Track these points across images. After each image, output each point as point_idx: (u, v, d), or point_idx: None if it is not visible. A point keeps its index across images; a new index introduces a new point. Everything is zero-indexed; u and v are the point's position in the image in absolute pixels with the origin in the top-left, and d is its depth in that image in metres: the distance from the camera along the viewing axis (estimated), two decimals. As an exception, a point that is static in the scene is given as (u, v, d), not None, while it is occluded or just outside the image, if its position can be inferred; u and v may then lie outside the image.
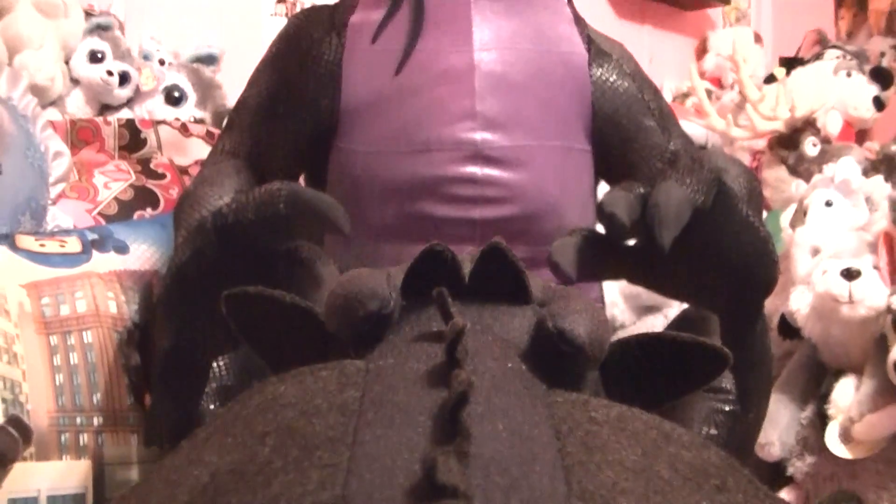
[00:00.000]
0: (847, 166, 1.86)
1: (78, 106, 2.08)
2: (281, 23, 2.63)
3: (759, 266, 0.95)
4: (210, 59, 2.29)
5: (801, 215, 1.84)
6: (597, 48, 1.32)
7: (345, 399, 0.65)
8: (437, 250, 0.83)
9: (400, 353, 0.74)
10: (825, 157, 2.61)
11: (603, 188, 1.34)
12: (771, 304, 1.59)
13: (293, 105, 1.29)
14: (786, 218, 1.92)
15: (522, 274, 0.86)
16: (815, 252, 1.69)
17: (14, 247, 1.31)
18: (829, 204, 1.80)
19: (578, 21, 1.33)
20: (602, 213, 0.86)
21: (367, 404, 0.64)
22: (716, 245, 0.92)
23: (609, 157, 1.31)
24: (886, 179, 2.64)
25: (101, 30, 2.12)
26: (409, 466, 0.56)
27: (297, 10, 2.71)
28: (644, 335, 0.87)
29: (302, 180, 1.37)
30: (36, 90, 1.85)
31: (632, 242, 0.92)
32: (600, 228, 0.90)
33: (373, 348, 0.77)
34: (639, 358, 0.86)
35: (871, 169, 2.78)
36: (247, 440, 0.63)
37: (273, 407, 0.67)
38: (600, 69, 1.30)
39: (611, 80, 1.30)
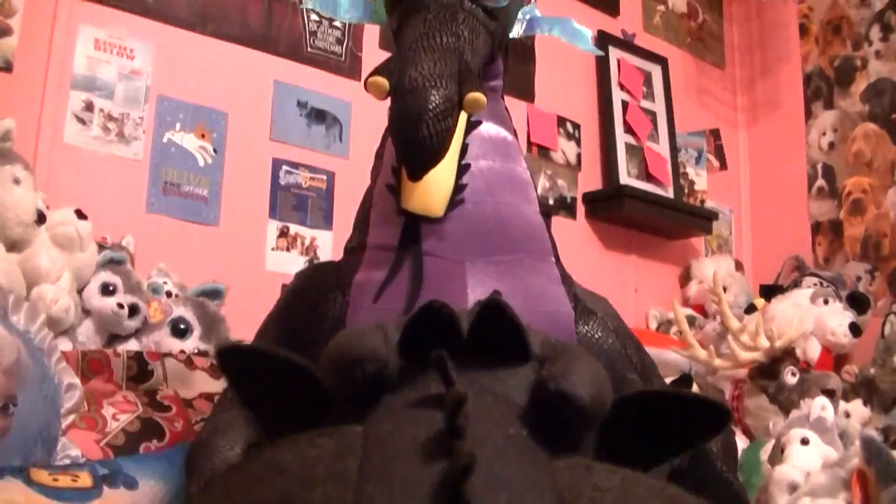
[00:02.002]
0: (822, 405, 1.93)
1: (88, 335, 2.15)
2: (282, 257, 2.77)
3: (734, 519, 1.02)
4: (215, 294, 2.38)
5: (778, 452, 1.91)
6: (583, 306, 1.40)
7: (343, 468, 0.64)
8: (436, 307, 0.82)
9: (399, 418, 0.72)
10: (804, 385, 2.68)
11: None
12: (753, 538, 1.65)
13: None
14: (765, 453, 1.99)
15: (522, 330, 0.84)
16: (793, 488, 1.75)
17: (28, 480, 1.35)
18: (805, 442, 1.86)
19: (566, 280, 1.43)
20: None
21: (367, 474, 0.63)
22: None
23: None
24: (866, 403, 2.72)
25: (114, 264, 2.22)
26: None
27: (298, 244, 2.84)
28: (645, 391, 0.86)
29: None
30: (50, 321, 1.92)
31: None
32: None
33: (370, 408, 0.76)
34: (640, 414, 0.83)
35: (850, 392, 2.85)
36: None
37: (271, 475, 0.65)
38: (586, 326, 1.38)
39: (596, 336, 1.37)
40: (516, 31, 1.53)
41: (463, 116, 1.25)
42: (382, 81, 1.19)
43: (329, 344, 0.84)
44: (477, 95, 1.19)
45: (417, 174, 1.21)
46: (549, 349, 0.86)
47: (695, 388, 2.94)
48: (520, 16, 1.53)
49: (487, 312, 0.83)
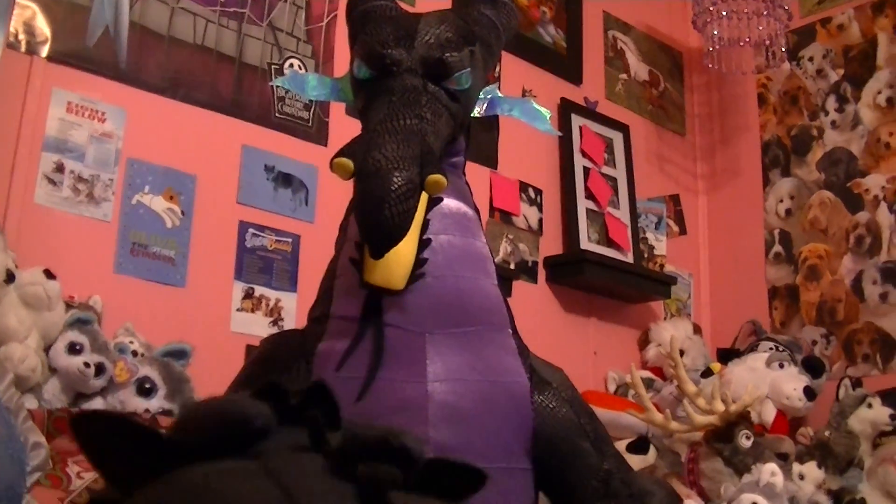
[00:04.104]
0: (772, 471, 1.99)
1: (54, 393, 2.18)
2: (247, 318, 2.80)
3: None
4: (181, 354, 2.40)
5: (729, 517, 1.97)
6: (538, 377, 1.46)
7: (262, 481, 0.64)
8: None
9: (287, 454, 0.71)
10: (758, 449, 2.74)
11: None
12: None
13: None
14: (716, 518, 2.05)
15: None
16: (742, 553, 1.81)
17: (-6, 541, 1.39)
18: (755, 507, 1.93)
19: (522, 352, 1.48)
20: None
21: (287, 485, 0.63)
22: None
23: (548, 476, 1.43)
24: (820, 465, 2.78)
25: (81, 323, 2.25)
26: None
27: (263, 306, 2.87)
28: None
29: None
30: (17, 379, 1.95)
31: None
32: None
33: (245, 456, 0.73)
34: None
35: (805, 454, 2.92)
36: None
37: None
38: (541, 396, 1.43)
39: (551, 405, 1.43)
40: (478, 111, 1.59)
41: (424, 195, 1.31)
42: (347, 163, 1.25)
43: (198, 406, 0.80)
44: (438, 178, 1.25)
45: (379, 253, 1.27)
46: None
47: (652, 451, 3.01)
48: (481, 96, 1.59)
49: None
